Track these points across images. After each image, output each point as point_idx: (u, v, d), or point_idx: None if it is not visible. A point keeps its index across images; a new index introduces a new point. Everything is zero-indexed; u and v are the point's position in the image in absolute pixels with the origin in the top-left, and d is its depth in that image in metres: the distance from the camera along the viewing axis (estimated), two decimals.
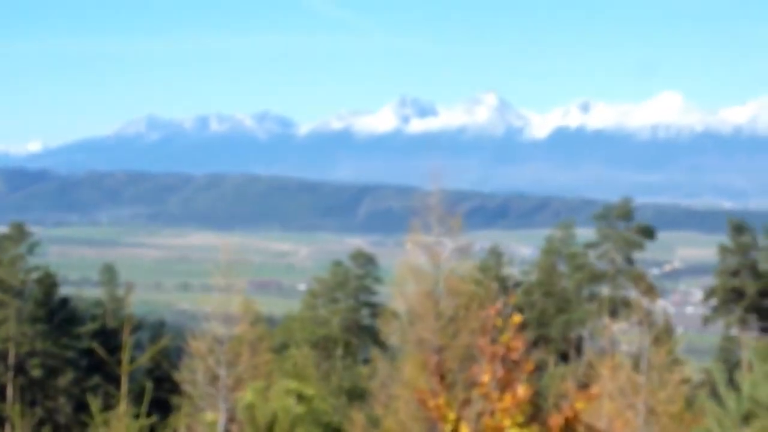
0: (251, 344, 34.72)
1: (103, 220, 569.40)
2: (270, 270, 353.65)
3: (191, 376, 33.23)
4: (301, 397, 9.20)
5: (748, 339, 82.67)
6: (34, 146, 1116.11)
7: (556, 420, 14.58)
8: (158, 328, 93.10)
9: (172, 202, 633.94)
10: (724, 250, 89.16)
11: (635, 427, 28.58)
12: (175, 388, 48.64)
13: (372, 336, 77.78)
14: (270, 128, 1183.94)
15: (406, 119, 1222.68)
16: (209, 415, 11.41)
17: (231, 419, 28.70)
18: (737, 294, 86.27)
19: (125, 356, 19.90)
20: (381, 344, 51.67)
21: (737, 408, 18.84)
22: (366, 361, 66.53)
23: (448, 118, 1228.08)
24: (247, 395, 8.89)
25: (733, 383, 19.96)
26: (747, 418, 18.75)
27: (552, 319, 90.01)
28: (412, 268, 34.70)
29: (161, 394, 70.09)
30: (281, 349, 76.56)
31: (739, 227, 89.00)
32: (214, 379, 32.43)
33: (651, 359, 28.98)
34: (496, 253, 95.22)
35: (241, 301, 34.82)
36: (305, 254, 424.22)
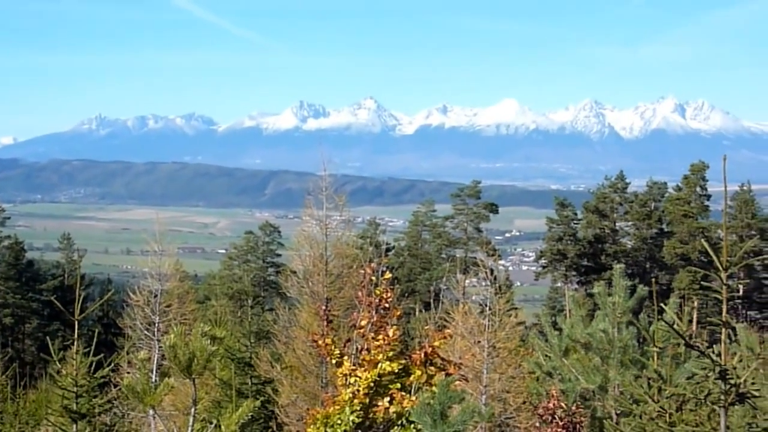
0: (180, 297, 34.32)
1: (62, 199, 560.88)
2: (196, 238, 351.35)
3: (132, 322, 32.78)
4: (214, 338, 9.02)
5: (569, 291, 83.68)
6: (7, 140, 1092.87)
7: (418, 355, 14.58)
8: (106, 285, 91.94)
9: (118, 185, 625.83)
10: (551, 221, 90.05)
11: (481, 359, 28.68)
12: (119, 332, 48.09)
13: (276, 289, 77.56)
14: (196, 126, 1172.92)
15: (303, 119, 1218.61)
16: (142, 353, 11.23)
17: (163, 356, 28.51)
18: (561, 255, 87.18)
19: (77, 307, 19.64)
20: (282, 296, 51.32)
21: (559, 344, 18.97)
22: (271, 310, 66.18)
23: (336, 118, 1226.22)
24: (170, 337, 8.71)
25: (556, 325, 20.09)
26: (567, 352, 18.88)
27: (417, 276, 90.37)
28: (307, 236, 34.54)
29: (108, 337, 69.35)
30: (204, 300, 76.14)
31: (562, 204, 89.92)
32: (150, 324, 32.05)
33: (493, 306, 29.09)
34: (373, 224, 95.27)
35: (172, 262, 34.35)
36: (224, 225, 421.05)
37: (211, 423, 9.79)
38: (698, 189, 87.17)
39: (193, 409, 9.98)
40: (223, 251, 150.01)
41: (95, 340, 22.40)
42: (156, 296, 32.21)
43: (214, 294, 79.97)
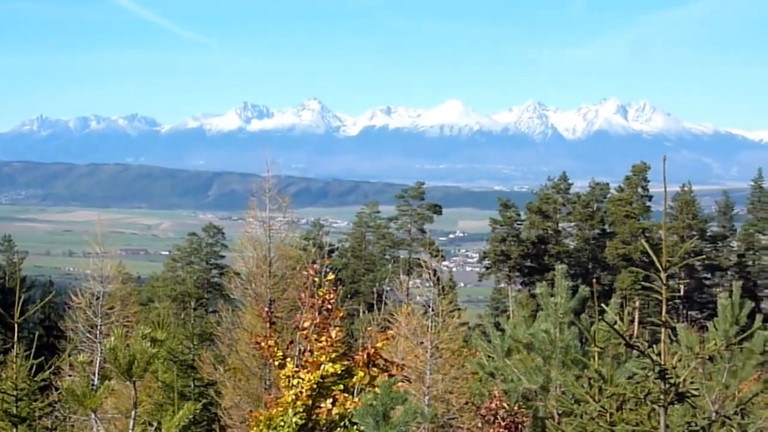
0: (122, 299, 34.11)
1: (3, 200, 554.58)
2: (138, 240, 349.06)
3: (73, 325, 32.54)
4: (154, 341, 8.97)
5: (512, 291, 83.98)
6: None
7: (361, 356, 14.59)
8: (48, 287, 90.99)
9: (59, 186, 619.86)
10: (494, 222, 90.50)
11: (424, 360, 28.73)
12: (60, 335, 47.70)
13: (219, 291, 77.36)
14: (139, 127, 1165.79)
15: (247, 120, 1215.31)
16: (82, 356, 11.12)
17: (105, 359, 28.32)
18: (504, 256, 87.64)
19: (17, 310, 19.51)
20: (226, 297, 51.19)
21: (502, 345, 19.06)
22: (214, 311, 65.88)
23: (280, 119, 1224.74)
24: (110, 340, 8.65)
25: (499, 326, 20.17)
26: (509, 353, 18.97)
27: (361, 277, 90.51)
28: (251, 238, 34.42)
29: (49, 340, 68.67)
30: (147, 302, 75.61)
31: (505, 205, 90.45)
32: (92, 327, 31.85)
33: (437, 307, 29.15)
34: (317, 225, 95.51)
35: (115, 264, 34.12)
36: (167, 227, 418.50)
37: (152, 425, 9.75)
38: (640, 190, 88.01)
39: (133, 412, 9.94)
40: (167, 253, 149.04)
41: (36, 342, 22.21)
42: (98, 298, 32.01)
43: (157, 296, 79.44)
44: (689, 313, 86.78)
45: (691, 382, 11.08)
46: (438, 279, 31.23)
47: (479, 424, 16.15)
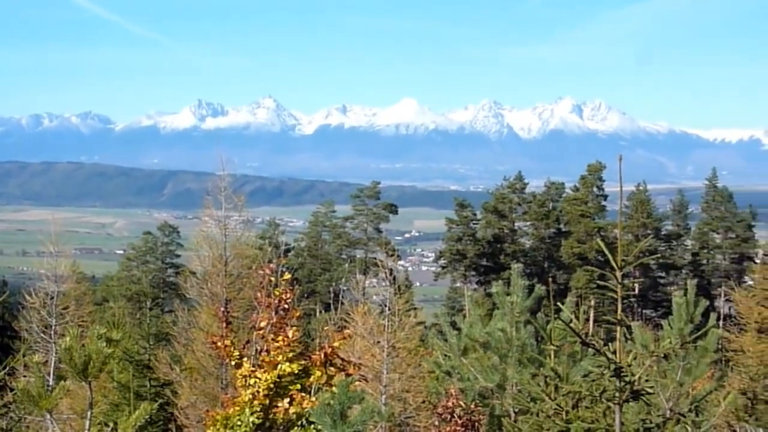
0: (77, 299, 33.95)
1: None
2: (93, 239, 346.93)
3: (28, 325, 32.37)
4: (110, 341, 8.95)
5: (468, 290, 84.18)
6: None
7: (318, 356, 14.61)
8: (1, 287, 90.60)
9: (12, 185, 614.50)
10: (450, 221, 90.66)
11: (380, 359, 28.77)
12: (15, 335, 47.35)
13: (175, 291, 76.95)
14: (92, 125, 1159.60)
15: (202, 118, 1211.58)
16: (36, 357, 11.04)
17: (60, 359, 28.10)
18: (460, 255, 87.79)
19: None
20: (182, 297, 50.97)
21: (458, 343, 19.12)
22: (170, 311, 65.62)
23: (235, 117, 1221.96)
24: (65, 340, 8.64)
25: (455, 325, 20.23)
26: (465, 351, 19.03)
27: (318, 277, 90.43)
28: (206, 237, 34.34)
29: (3, 340, 68.09)
30: (102, 302, 75.15)
31: (461, 204, 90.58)
32: (46, 327, 31.71)
33: (393, 307, 29.20)
34: (273, 224, 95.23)
35: (69, 263, 33.97)
36: (122, 226, 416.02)
37: (108, 426, 9.72)
38: (595, 189, 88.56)
39: (89, 413, 9.90)
40: (121, 252, 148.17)
41: None
42: (52, 298, 31.85)
43: (112, 295, 78.93)
44: (644, 311, 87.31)
45: (646, 380, 11.17)
46: (394, 278, 31.26)
47: (436, 423, 16.20)
